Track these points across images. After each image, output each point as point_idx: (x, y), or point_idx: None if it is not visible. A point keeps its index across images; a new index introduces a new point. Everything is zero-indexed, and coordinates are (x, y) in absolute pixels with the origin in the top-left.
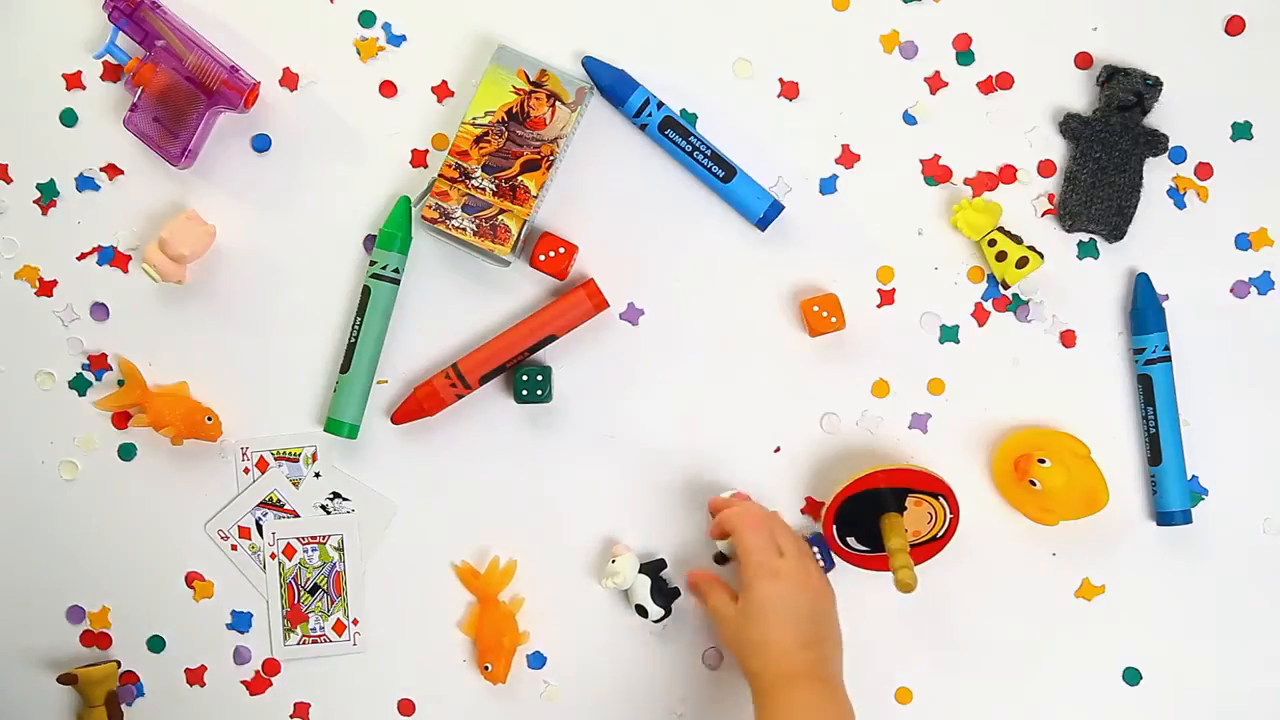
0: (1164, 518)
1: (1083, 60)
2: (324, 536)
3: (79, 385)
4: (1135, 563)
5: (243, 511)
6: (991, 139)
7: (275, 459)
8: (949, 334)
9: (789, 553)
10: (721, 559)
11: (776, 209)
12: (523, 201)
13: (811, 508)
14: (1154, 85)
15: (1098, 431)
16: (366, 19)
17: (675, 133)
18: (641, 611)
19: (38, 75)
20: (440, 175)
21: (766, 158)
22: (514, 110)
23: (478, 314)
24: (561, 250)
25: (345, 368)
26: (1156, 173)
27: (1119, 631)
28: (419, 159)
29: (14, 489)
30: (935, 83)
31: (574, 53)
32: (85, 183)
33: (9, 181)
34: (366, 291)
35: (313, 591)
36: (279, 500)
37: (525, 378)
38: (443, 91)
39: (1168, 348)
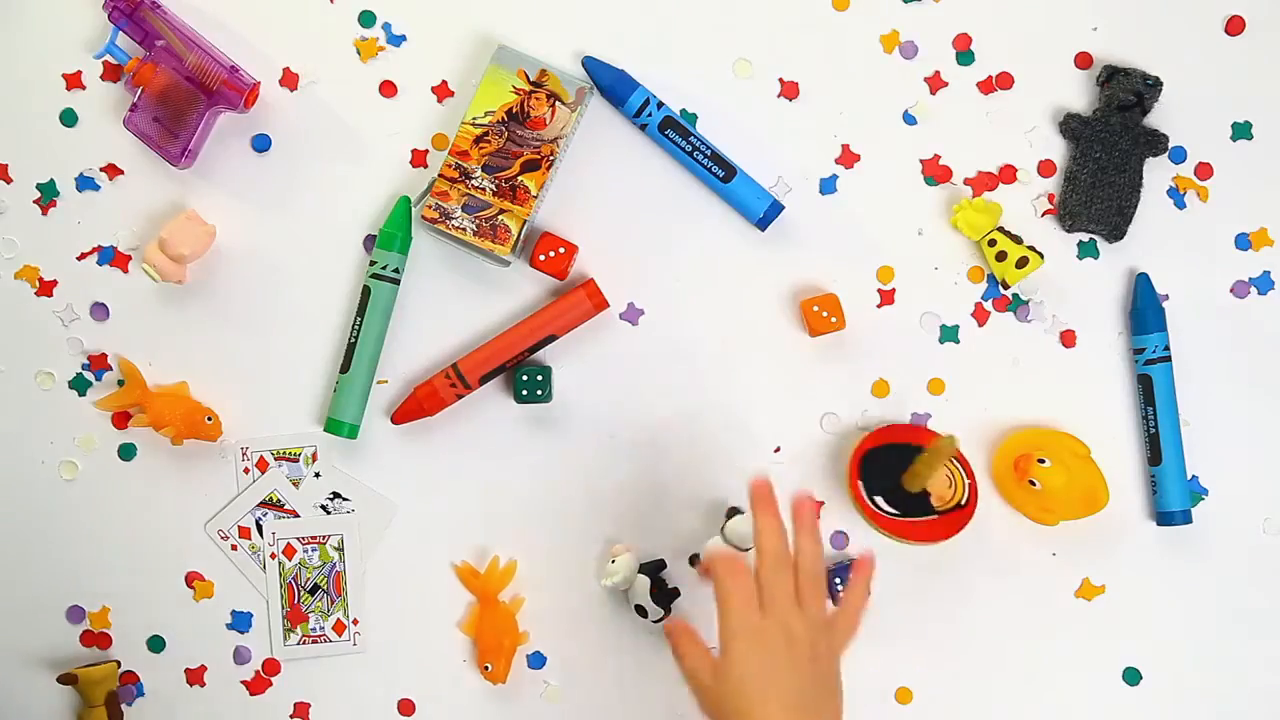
0: (1164, 518)
1: (1083, 60)
2: (324, 536)
3: (79, 385)
4: (1135, 563)
5: (243, 511)
6: (991, 139)
7: (275, 459)
8: (949, 334)
9: (778, 603)
10: (695, 560)
11: (776, 209)
12: (523, 201)
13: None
14: (1154, 85)
15: (1098, 431)
16: (366, 19)
17: (675, 133)
18: (641, 611)
19: (38, 75)
20: (440, 175)
21: (766, 158)
22: (514, 110)
23: (478, 314)
24: (561, 250)
25: (345, 368)
26: (1156, 173)
27: (1119, 631)
28: (419, 159)
29: (14, 489)
30: (935, 83)
31: (574, 53)
32: (85, 183)
33: (9, 181)
34: (366, 291)
35: (313, 591)
36: (279, 500)
37: (525, 378)
38: (443, 91)
39: (1168, 348)
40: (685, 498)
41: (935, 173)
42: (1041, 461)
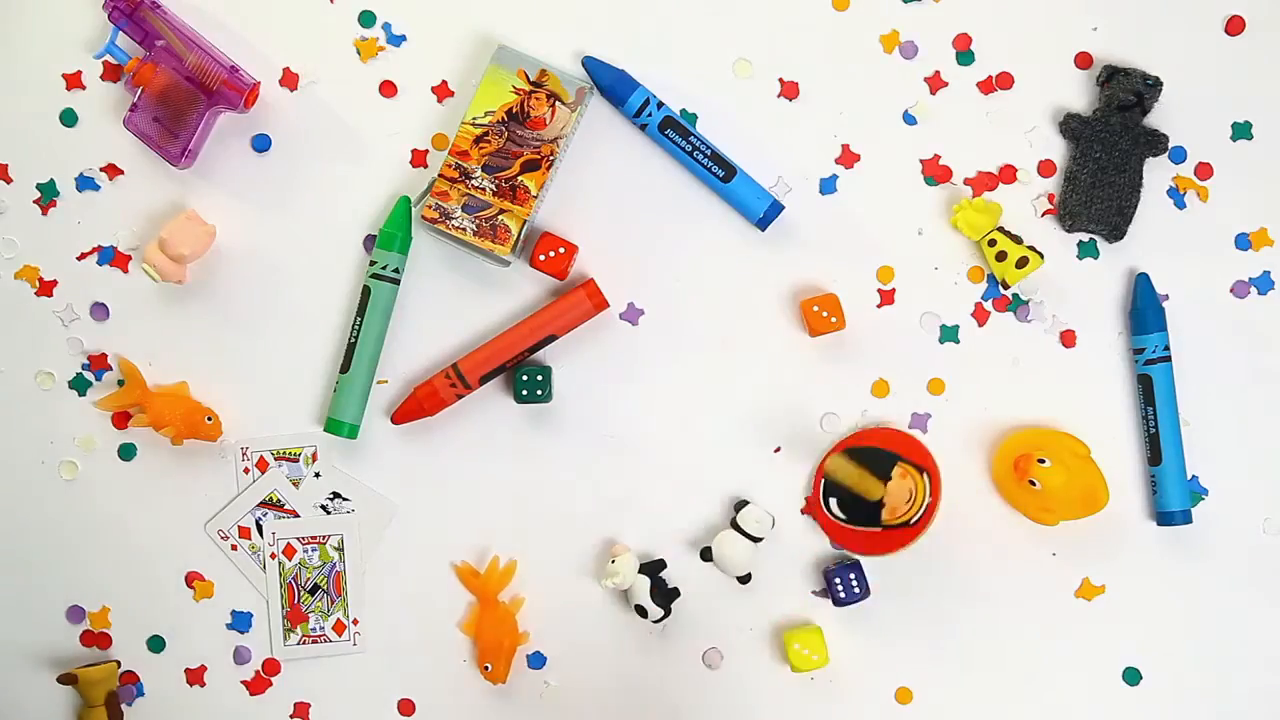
0: (1164, 518)
1: (1083, 60)
2: (324, 536)
3: (79, 385)
4: (1135, 563)
5: (243, 511)
6: (991, 139)
7: (275, 459)
8: (949, 334)
9: None
10: (707, 554)
11: (776, 209)
12: (523, 201)
13: (811, 508)
14: (1154, 85)
15: (1098, 431)
16: (366, 19)
17: (675, 133)
18: (641, 611)
19: (38, 75)
20: (440, 175)
21: (766, 158)
22: (514, 110)
23: (478, 314)
24: (561, 250)
25: (345, 368)
26: (1156, 173)
27: (1119, 631)
28: (419, 159)
29: (14, 489)
30: (935, 83)
31: (574, 53)
32: (85, 183)
33: (9, 181)
34: (366, 291)
35: (313, 591)
36: (279, 500)
37: (525, 378)
38: (443, 91)
39: (1168, 348)
40: (685, 497)
41: (935, 173)
42: (1041, 461)
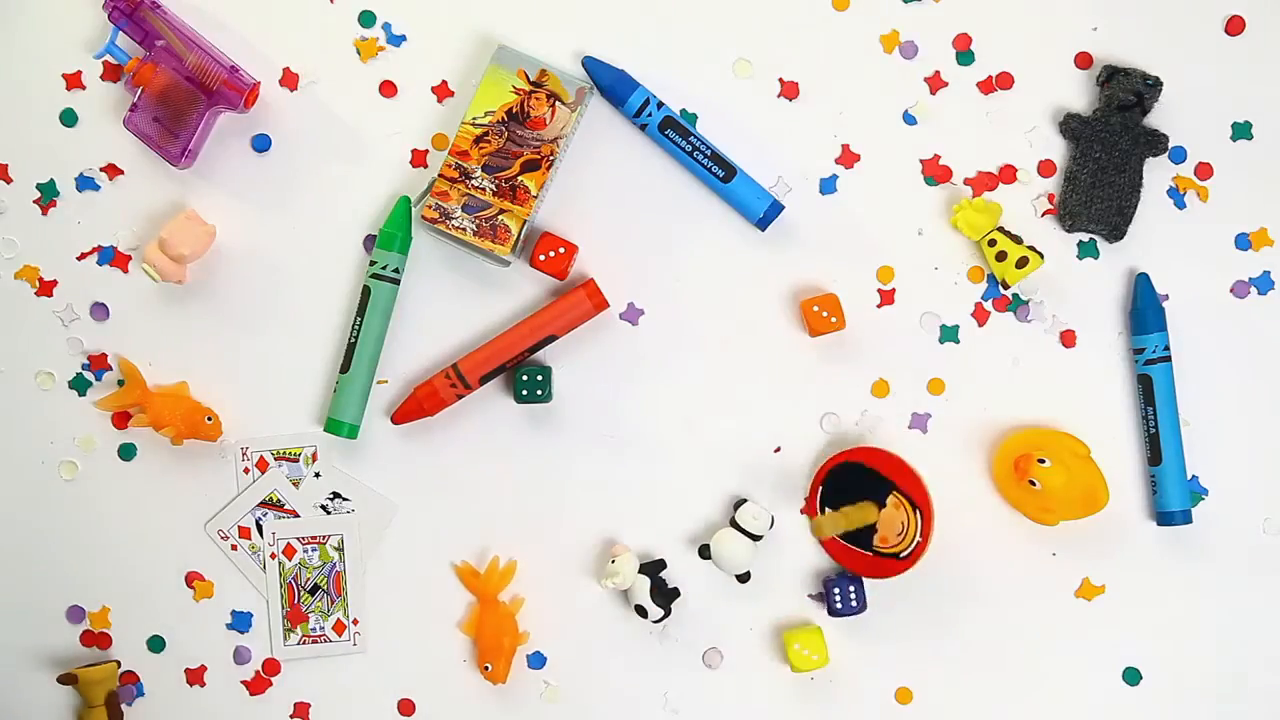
0: (1164, 518)
1: (1083, 60)
2: (324, 536)
3: (79, 385)
4: (1135, 563)
5: (243, 511)
6: (991, 139)
7: (275, 459)
8: (949, 334)
9: None
10: (705, 551)
11: (776, 209)
12: (523, 201)
13: (812, 508)
14: (1154, 85)
15: (1098, 431)
16: (366, 19)
17: (675, 133)
18: (641, 611)
19: (38, 75)
20: (440, 175)
21: (766, 158)
22: (514, 110)
23: (478, 314)
24: (561, 250)
25: (345, 368)
26: (1156, 173)
27: (1119, 631)
28: (419, 159)
29: (14, 489)
30: (935, 83)
31: (574, 53)
32: (85, 183)
33: (9, 181)
34: (366, 291)
35: (313, 591)
36: (279, 500)
37: (525, 378)
38: (443, 91)
39: (1168, 348)
40: (685, 497)
41: (935, 173)
42: (1041, 461)
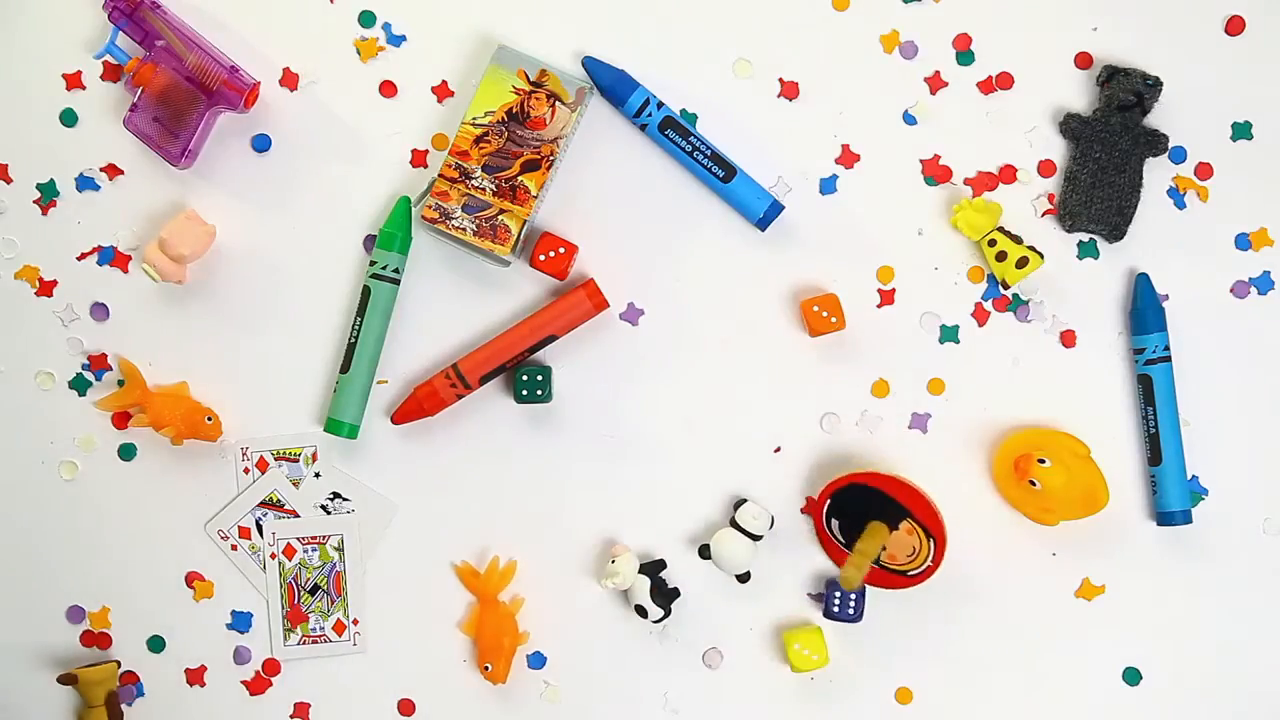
0: (1164, 518)
1: (1083, 60)
2: (324, 536)
3: (79, 385)
4: (1135, 563)
5: (243, 511)
6: (991, 139)
7: (275, 459)
8: (949, 334)
9: None
10: (705, 551)
11: (776, 209)
12: (523, 201)
13: (811, 507)
14: (1154, 85)
15: (1098, 431)
16: (366, 19)
17: (675, 133)
18: (641, 612)
19: (38, 75)
20: (440, 175)
21: (766, 158)
22: (514, 110)
23: (478, 314)
24: (561, 250)
25: (345, 368)
26: (1156, 173)
27: (1119, 631)
28: (419, 159)
29: (14, 489)
30: (935, 83)
31: (574, 53)
32: (85, 183)
33: (9, 181)
34: (366, 291)
35: (313, 591)
36: (279, 500)
37: (525, 378)
38: (443, 91)
39: (1168, 348)
40: (685, 498)
41: (935, 173)
42: (1041, 461)
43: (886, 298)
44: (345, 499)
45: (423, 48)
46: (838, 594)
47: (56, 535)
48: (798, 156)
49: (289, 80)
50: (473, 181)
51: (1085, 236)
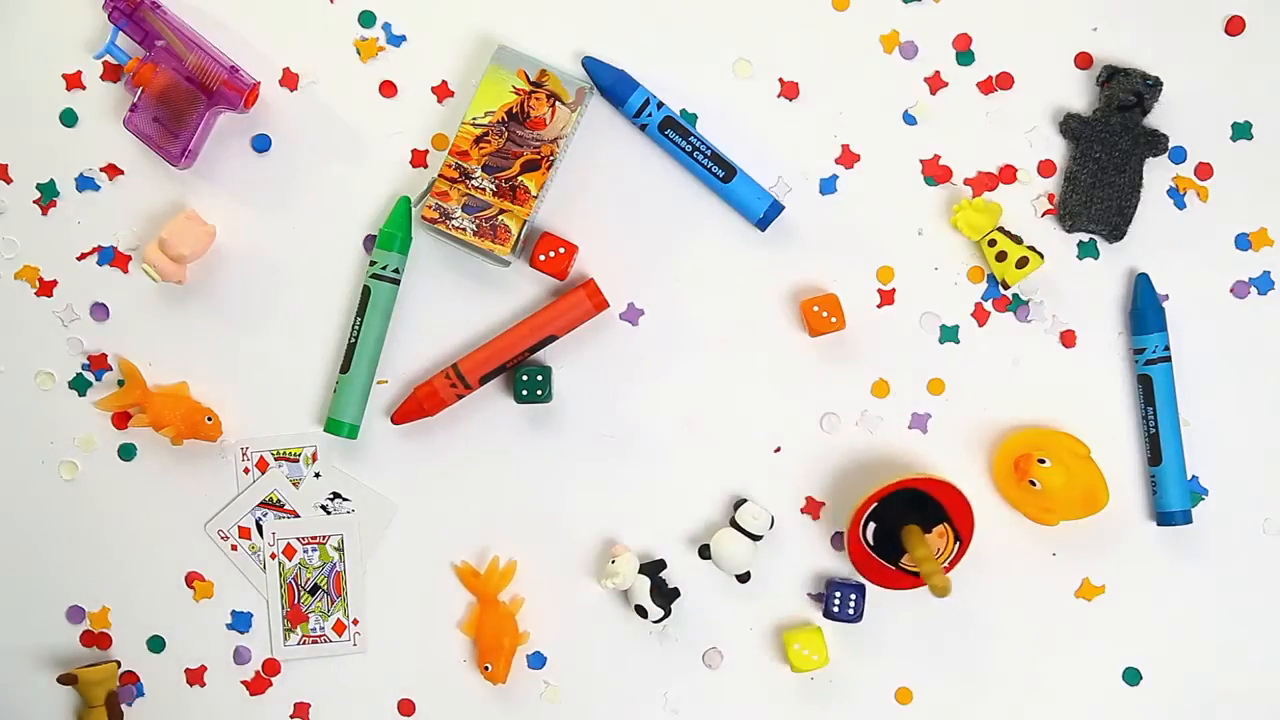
0: (1164, 518)
1: (1083, 60)
2: (324, 536)
3: (79, 385)
4: (1135, 563)
5: (243, 511)
6: (991, 139)
7: (275, 459)
8: (949, 334)
9: None
10: (705, 552)
11: (776, 209)
12: (523, 201)
13: (811, 507)
14: (1154, 85)
15: (1098, 431)
16: (366, 19)
17: (675, 133)
18: (641, 612)
19: (38, 75)
20: (440, 175)
21: (766, 158)
22: (514, 110)
23: (478, 314)
24: (561, 250)
25: (345, 368)
26: (1156, 173)
27: (1119, 631)
28: (419, 159)
29: (14, 489)
30: (935, 83)
31: (574, 53)
32: (85, 183)
33: (9, 181)
34: (366, 291)
35: (313, 591)
36: (279, 500)
37: (525, 378)
38: (443, 91)
39: (1168, 348)
40: (685, 498)
41: (935, 173)
42: (1041, 461)
43: (886, 298)
44: (345, 499)
45: (423, 48)
46: (838, 594)
47: (56, 535)
48: (798, 156)
49: (289, 80)
50: (473, 181)
51: (1085, 236)
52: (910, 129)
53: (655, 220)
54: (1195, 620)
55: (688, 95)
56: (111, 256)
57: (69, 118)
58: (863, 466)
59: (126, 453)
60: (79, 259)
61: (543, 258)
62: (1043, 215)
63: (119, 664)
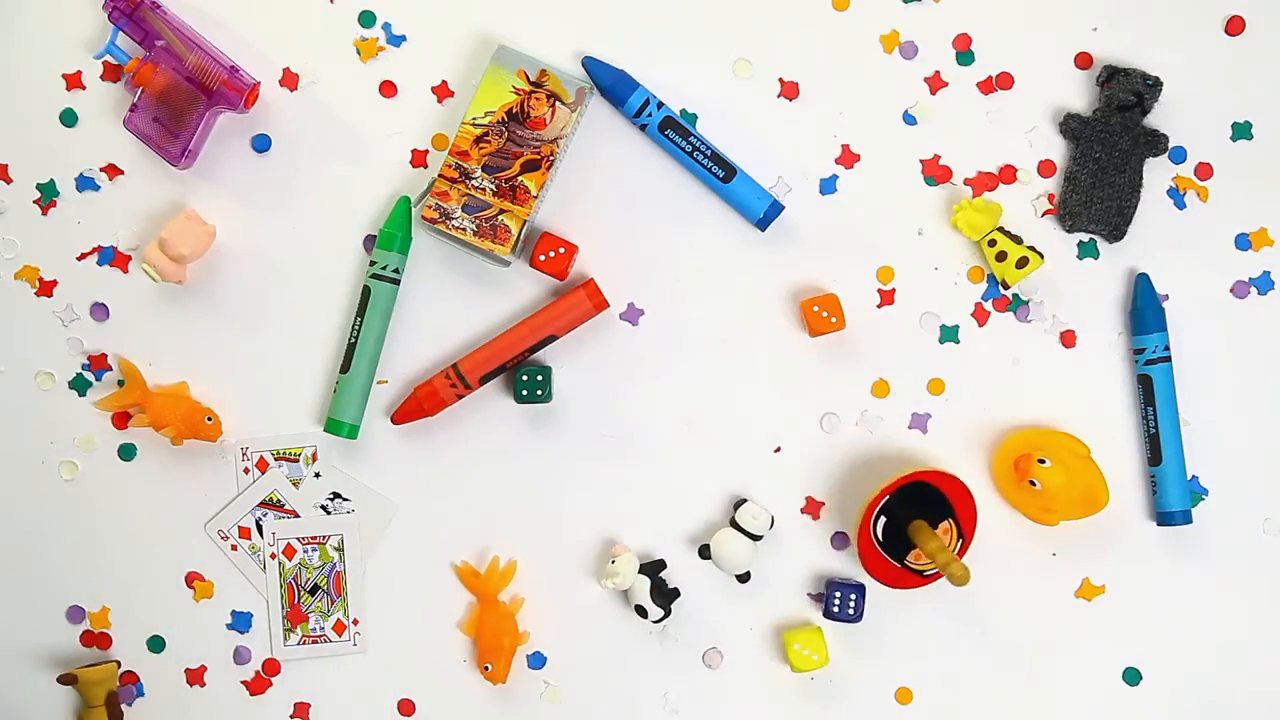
0: (1164, 518)
1: (1083, 60)
2: (324, 536)
3: (79, 385)
4: (1135, 563)
5: (243, 511)
6: (991, 139)
7: (275, 459)
8: (949, 334)
9: None
10: (705, 552)
11: (776, 209)
12: (523, 201)
13: (811, 507)
14: (1154, 85)
15: (1098, 431)
16: (366, 19)
17: (675, 133)
18: (641, 612)
19: (38, 75)
20: (440, 175)
21: (766, 158)
22: (514, 110)
23: (478, 314)
24: (561, 250)
25: (345, 368)
26: (1156, 173)
27: (1119, 631)
28: (419, 159)
29: (14, 489)
30: (935, 83)
31: (574, 53)
32: (85, 183)
33: (9, 181)
34: (366, 291)
35: (313, 591)
36: (279, 500)
37: (525, 378)
38: (443, 91)
39: (1168, 348)
40: (685, 498)
41: (935, 173)
42: (1041, 461)
43: (886, 298)
44: (345, 499)
45: (423, 48)
46: (838, 594)
47: (56, 535)
48: (798, 156)
49: (289, 80)
50: (473, 181)
51: (1085, 236)
52: (910, 129)
53: (655, 220)
54: (1195, 620)
55: (688, 95)
56: (111, 256)
57: (69, 118)
58: (863, 466)
59: (126, 453)
60: (79, 259)
61: (543, 258)
62: (1043, 215)
63: (119, 664)
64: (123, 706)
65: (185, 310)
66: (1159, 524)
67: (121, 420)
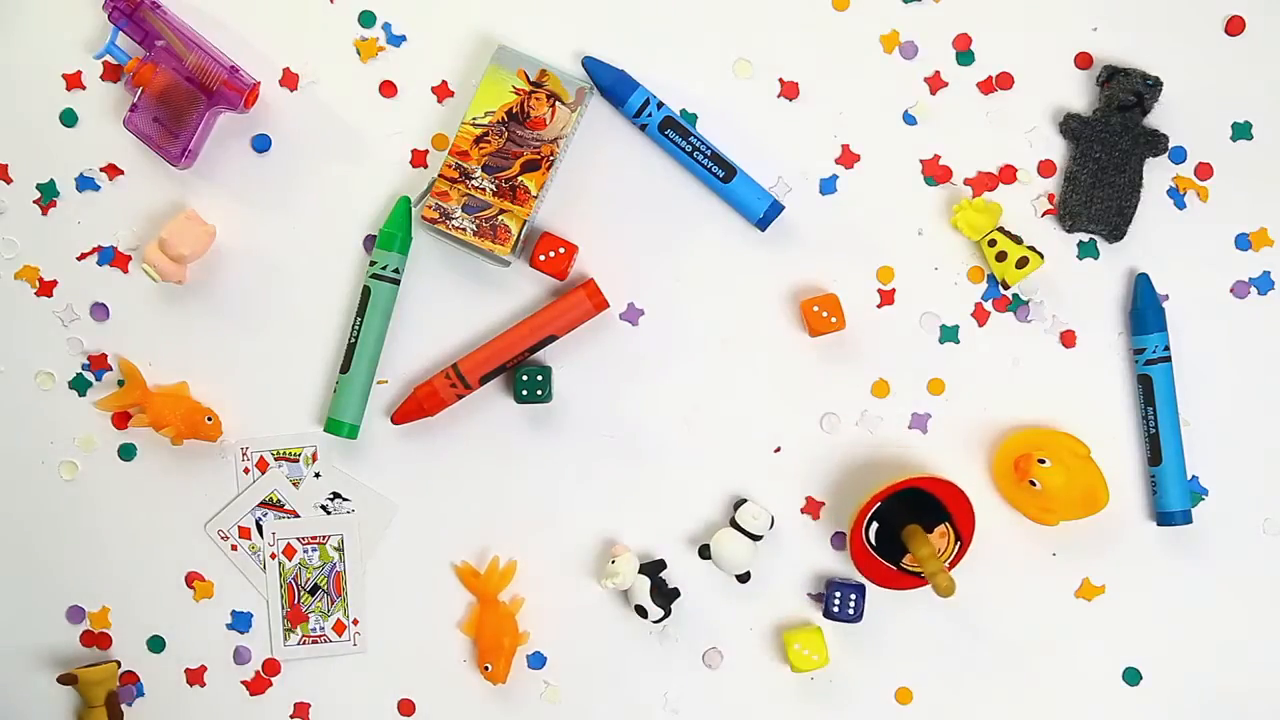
0: (1164, 518)
1: (1083, 60)
2: (324, 536)
3: (79, 385)
4: (1135, 563)
5: (243, 511)
6: (991, 139)
7: (275, 459)
8: (949, 334)
9: None
10: (705, 552)
11: (776, 209)
12: (523, 201)
13: (811, 507)
14: (1154, 85)
15: (1098, 431)
16: (366, 19)
17: (675, 133)
18: (641, 612)
19: (38, 75)
20: (440, 175)
21: (766, 158)
22: (514, 110)
23: (478, 314)
24: (561, 250)
25: (345, 368)
26: (1156, 173)
27: (1119, 631)
28: (419, 159)
29: (14, 489)
30: (935, 83)
31: (574, 53)
32: (85, 183)
33: (9, 181)
34: (366, 291)
35: (313, 591)
36: (279, 500)
37: (525, 378)
38: (443, 91)
39: (1168, 348)
40: (685, 497)
41: (935, 173)
42: (1041, 461)
43: (886, 298)
44: (345, 499)
45: (423, 48)
46: (838, 594)
47: (56, 535)
48: (798, 156)
49: (289, 80)
50: (473, 181)
51: (1085, 236)
52: (910, 129)
53: (655, 220)
54: (1195, 620)
55: (688, 95)
56: (111, 256)
57: (69, 118)
58: (863, 466)
59: (126, 453)
60: (79, 259)
61: (543, 258)
62: (1043, 215)
63: (119, 664)
64: (123, 706)
65: (185, 310)
66: (1159, 524)
67: (121, 420)
